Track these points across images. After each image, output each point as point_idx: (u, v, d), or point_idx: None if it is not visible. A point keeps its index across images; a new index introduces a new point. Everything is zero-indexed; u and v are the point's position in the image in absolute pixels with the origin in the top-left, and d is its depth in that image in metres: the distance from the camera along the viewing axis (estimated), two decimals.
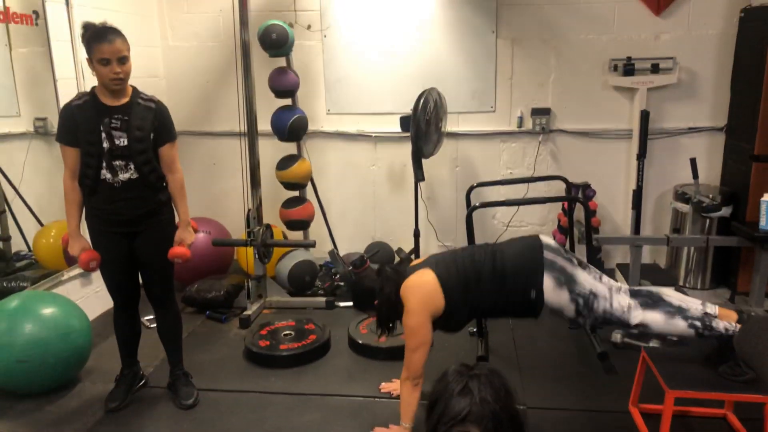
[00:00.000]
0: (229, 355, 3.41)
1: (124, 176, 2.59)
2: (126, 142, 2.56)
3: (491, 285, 2.37)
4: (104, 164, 2.57)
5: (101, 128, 2.54)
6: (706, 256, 4.17)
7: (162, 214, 2.77)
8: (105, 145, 2.55)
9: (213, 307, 3.97)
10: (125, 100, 2.61)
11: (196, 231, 2.92)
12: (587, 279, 2.34)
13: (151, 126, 2.62)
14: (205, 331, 3.75)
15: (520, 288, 2.34)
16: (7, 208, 4.59)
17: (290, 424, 2.71)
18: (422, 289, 2.40)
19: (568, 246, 3.88)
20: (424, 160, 3.92)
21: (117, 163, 2.57)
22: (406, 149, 4.05)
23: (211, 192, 4.87)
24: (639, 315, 2.28)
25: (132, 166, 2.59)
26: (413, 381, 2.43)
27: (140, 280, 2.86)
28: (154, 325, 3.09)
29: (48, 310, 2.97)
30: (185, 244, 2.79)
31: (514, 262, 2.38)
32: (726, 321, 2.23)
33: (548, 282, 2.31)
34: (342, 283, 4.28)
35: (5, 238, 4.30)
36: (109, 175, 2.58)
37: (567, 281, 2.31)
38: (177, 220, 2.82)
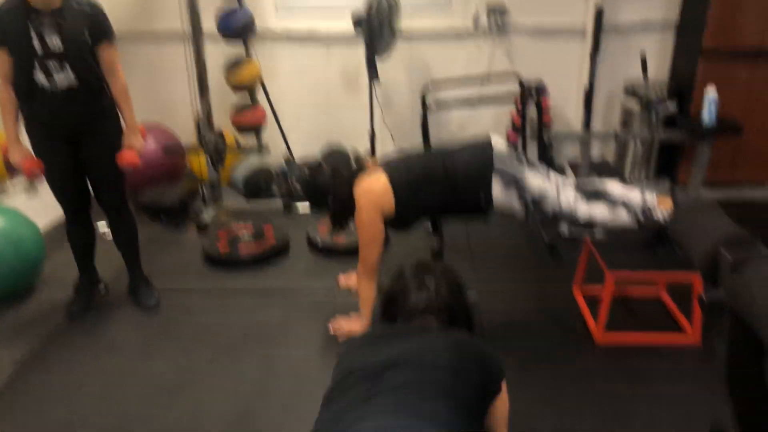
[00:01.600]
0: (188, 260, 3.44)
1: (62, 83, 2.46)
2: (60, 45, 2.42)
3: (442, 189, 2.43)
4: (36, 66, 2.43)
5: (31, 31, 2.39)
6: (651, 151, 4.33)
7: (107, 119, 2.67)
8: (36, 46, 2.40)
9: (168, 214, 3.94)
10: (58, 4, 2.43)
11: (144, 137, 2.83)
12: (536, 180, 2.41)
13: (87, 28, 2.47)
14: (162, 237, 3.75)
15: (471, 192, 2.40)
16: None
17: (252, 321, 2.81)
18: (373, 190, 2.45)
19: (520, 144, 3.95)
20: (379, 64, 3.83)
21: (51, 63, 2.43)
22: (359, 51, 3.95)
23: (158, 98, 4.67)
24: (585, 209, 2.39)
25: (68, 67, 2.46)
26: (369, 275, 2.53)
27: (90, 188, 2.80)
28: (109, 232, 3.07)
29: None
30: (134, 150, 2.72)
31: (464, 167, 2.43)
32: (663, 208, 2.37)
33: (497, 186, 2.38)
34: (299, 188, 4.28)
35: None
36: (43, 79, 2.44)
37: (516, 184, 2.38)
38: (123, 126, 2.73)
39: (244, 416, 2.20)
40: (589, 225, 2.44)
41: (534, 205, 2.38)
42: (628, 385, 2.29)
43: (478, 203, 2.42)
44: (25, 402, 2.30)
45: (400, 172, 2.49)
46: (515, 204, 2.39)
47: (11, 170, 3.84)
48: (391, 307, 1.53)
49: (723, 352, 1.04)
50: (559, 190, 2.40)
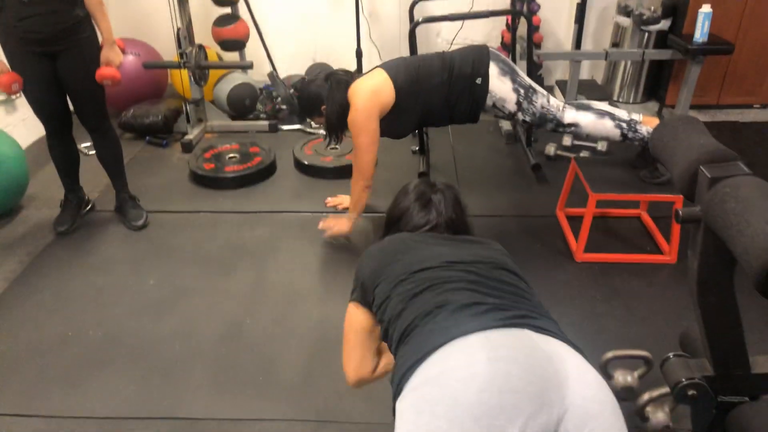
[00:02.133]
0: (174, 179, 3.43)
1: None
2: None
3: (440, 77, 2.43)
4: None
5: None
6: (641, 71, 4.28)
7: (82, 31, 2.57)
8: None
9: (152, 133, 3.88)
10: None
11: (123, 51, 2.74)
12: (527, 76, 2.48)
13: None
14: (147, 157, 3.71)
15: (467, 74, 2.41)
16: None
17: (241, 239, 2.85)
18: (371, 85, 2.44)
19: None
20: None
21: None
22: None
23: (135, 11, 4.48)
24: (572, 114, 2.43)
25: None
26: (365, 182, 2.57)
27: (70, 105, 2.74)
28: (93, 151, 3.03)
29: None
30: (113, 65, 2.64)
31: (461, 55, 2.46)
32: (649, 126, 2.39)
33: (494, 69, 2.41)
34: (284, 107, 4.21)
35: None
36: None
37: (510, 72, 2.44)
38: (100, 39, 2.63)
39: (236, 329, 2.27)
40: (575, 133, 2.48)
41: (526, 98, 2.40)
42: (605, 302, 2.39)
43: (474, 91, 2.42)
44: (19, 316, 2.36)
45: (398, 66, 2.49)
46: (509, 93, 2.41)
47: None
48: (394, 225, 1.51)
49: (694, 264, 1.08)
50: (548, 96, 2.45)
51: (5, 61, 2.54)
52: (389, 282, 1.24)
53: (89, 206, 3.06)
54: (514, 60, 3.83)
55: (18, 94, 2.62)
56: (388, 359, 1.43)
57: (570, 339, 1.12)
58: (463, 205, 1.57)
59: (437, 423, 0.93)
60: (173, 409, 1.93)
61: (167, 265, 2.66)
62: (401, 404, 1.02)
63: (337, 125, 2.54)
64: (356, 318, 1.36)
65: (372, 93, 2.41)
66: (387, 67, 2.49)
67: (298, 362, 2.10)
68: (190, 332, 2.26)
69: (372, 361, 1.41)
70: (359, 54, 4.06)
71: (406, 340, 1.13)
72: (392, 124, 2.50)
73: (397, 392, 1.06)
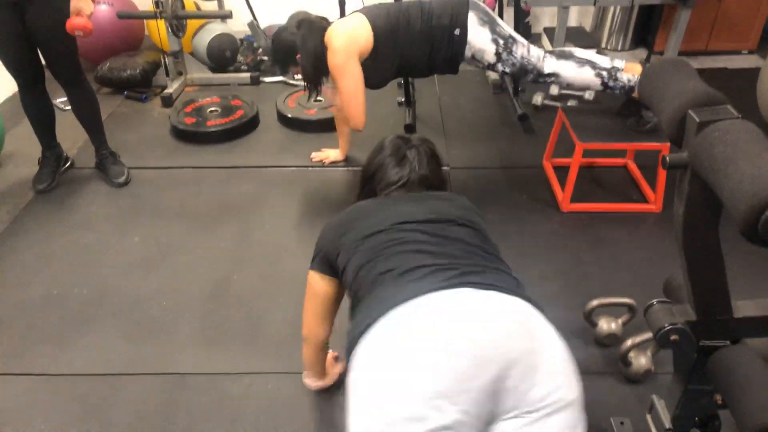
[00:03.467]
0: (155, 134, 3.35)
1: None
2: None
3: (418, 26, 2.37)
4: None
5: None
6: (630, 17, 4.21)
7: None
8: None
9: (130, 87, 3.78)
10: None
11: (95, 1, 2.62)
12: (507, 26, 2.43)
13: None
14: (126, 112, 3.62)
15: (446, 25, 2.35)
16: None
17: (226, 195, 2.81)
18: (349, 27, 2.37)
19: (497, 10, 3.78)
20: None
21: None
22: None
23: None
24: (552, 63, 2.39)
25: None
26: (358, 127, 2.54)
27: (40, 58, 2.64)
28: (69, 107, 2.95)
29: None
30: (84, 15, 2.52)
31: (441, 5, 2.39)
32: (631, 73, 2.35)
33: (472, 19, 2.35)
34: (266, 58, 4.11)
35: None
36: None
37: (490, 22, 2.38)
38: None
39: (223, 285, 2.27)
40: (555, 82, 2.44)
41: (505, 48, 2.35)
42: (590, 251, 2.41)
43: (452, 42, 2.37)
44: (2, 277, 2.33)
45: (379, 11, 2.42)
46: (487, 43, 2.36)
47: None
48: (370, 180, 1.53)
49: (680, 210, 1.07)
50: (528, 44, 2.40)
51: None
52: (346, 251, 1.32)
53: (68, 163, 2.99)
54: (501, 7, 3.74)
55: None
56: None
57: (523, 292, 1.17)
58: (439, 159, 1.57)
59: (370, 404, 1.01)
60: (163, 365, 1.94)
61: (151, 222, 2.63)
62: (349, 379, 1.10)
63: (314, 74, 2.46)
64: (313, 286, 1.48)
65: (349, 35, 2.34)
66: (366, 11, 2.42)
67: (285, 317, 2.11)
68: (177, 289, 2.26)
69: (324, 329, 1.57)
70: (342, 2, 3.93)
71: (355, 312, 1.22)
72: (369, 71, 2.43)
73: (349, 365, 1.13)
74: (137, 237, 2.54)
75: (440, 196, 1.43)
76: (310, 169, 2.99)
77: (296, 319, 2.09)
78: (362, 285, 1.22)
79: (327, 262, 1.41)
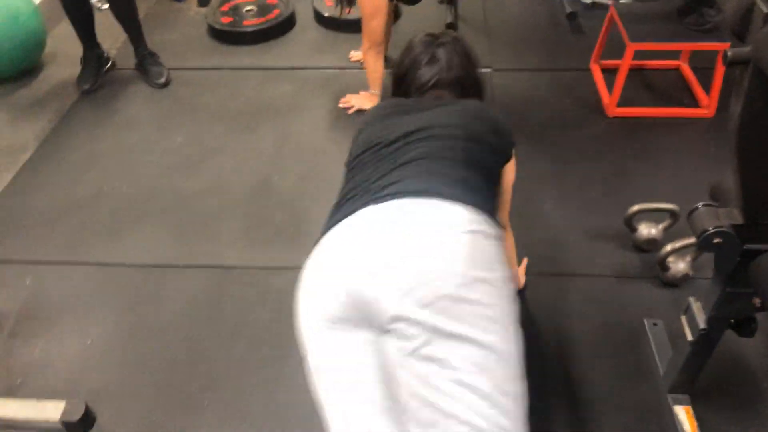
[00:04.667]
0: (192, 34, 3.31)
1: None
2: None
3: None
4: None
5: None
6: None
7: None
8: None
9: None
10: None
11: None
12: None
13: None
14: (162, 11, 3.56)
15: None
16: None
17: (264, 96, 2.80)
18: None
19: None
20: None
21: None
22: None
23: None
24: None
25: None
26: (375, 49, 2.45)
27: None
28: (106, 6, 2.92)
29: None
30: None
31: None
32: None
33: None
34: None
35: None
36: None
37: None
38: None
39: (264, 186, 2.32)
40: None
41: None
42: (635, 157, 2.35)
43: None
44: (53, 174, 2.42)
45: None
46: None
47: None
48: (402, 82, 1.49)
49: (737, 109, 1.02)
50: None
51: None
52: (352, 151, 1.34)
53: (109, 63, 3.00)
54: None
55: None
56: None
57: (474, 201, 1.07)
58: (473, 59, 1.49)
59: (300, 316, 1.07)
60: (208, 258, 2.03)
61: (192, 123, 2.66)
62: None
63: None
64: None
65: None
66: None
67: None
68: (221, 188, 2.31)
69: None
70: None
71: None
72: None
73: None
74: (180, 137, 2.58)
75: (449, 103, 1.36)
76: (347, 70, 2.93)
77: None
78: (344, 182, 1.28)
79: None
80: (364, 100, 2.63)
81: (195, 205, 2.25)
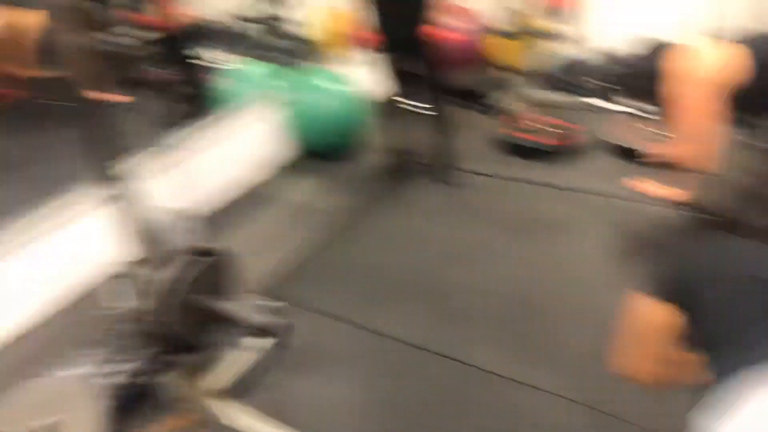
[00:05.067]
0: (486, 143, 3.63)
1: None
2: None
3: None
4: None
5: None
6: None
7: None
8: None
9: (472, 97, 4.11)
10: None
11: (453, 15, 2.94)
12: None
13: None
14: (466, 118, 3.93)
15: None
16: None
17: (542, 211, 2.91)
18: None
19: None
20: None
21: None
22: None
23: None
24: None
25: None
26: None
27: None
28: (424, 110, 3.39)
29: (336, 87, 3.46)
30: (440, 25, 2.86)
31: None
32: None
33: None
34: (611, 84, 4.01)
35: (302, 23, 4.84)
36: None
37: None
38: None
39: (524, 296, 2.35)
40: None
41: None
42: None
43: None
44: (354, 238, 2.84)
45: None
46: None
47: (353, 42, 4.38)
48: (749, 203, 1.27)
49: None
50: None
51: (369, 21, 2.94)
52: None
53: (415, 157, 3.40)
54: None
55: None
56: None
57: None
58: None
59: None
60: (456, 351, 2.11)
61: (470, 220, 2.88)
62: None
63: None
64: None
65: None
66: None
67: (580, 341, 2.08)
68: (483, 287, 2.41)
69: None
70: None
71: None
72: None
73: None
74: (457, 231, 2.79)
75: None
76: (631, 203, 2.85)
77: (592, 347, 2.02)
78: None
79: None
80: (668, 190, 2.32)
81: (456, 296, 2.38)
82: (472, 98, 4.12)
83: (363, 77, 4.08)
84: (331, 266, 2.65)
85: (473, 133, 3.77)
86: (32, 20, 3.51)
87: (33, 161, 3.29)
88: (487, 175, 3.27)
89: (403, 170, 3.35)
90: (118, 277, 1.81)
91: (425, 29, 2.84)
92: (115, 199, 1.56)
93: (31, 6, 3.48)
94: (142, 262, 1.69)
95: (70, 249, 2.57)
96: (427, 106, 3.20)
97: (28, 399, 1.81)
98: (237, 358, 2.08)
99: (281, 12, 4.16)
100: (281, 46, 4.30)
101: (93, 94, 1.43)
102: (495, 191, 3.12)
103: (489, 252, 2.63)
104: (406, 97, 3.21)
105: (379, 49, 3.00)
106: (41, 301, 2.49)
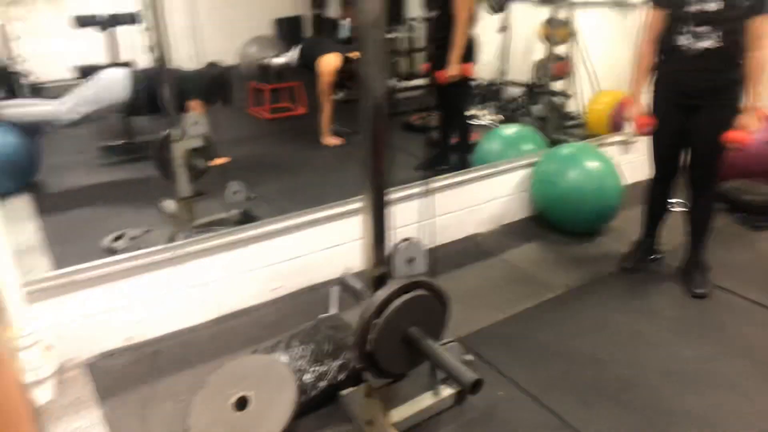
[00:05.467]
0: (752, 264, 3.11)
1: (702, 44, 2.48)
2: (718, 7, 2.41)
3: None
4: (687, 29, 2.50)
5: None
6: None
7: (729, 93, 2.57)
8: (695, 8, 2.46)
9: (748, 211, 3.60)
10: None
11: (762, 121, 2.60)
12: None
13: None
14: (732, 232, 3.47)
15: None
16: (573, 70, 5.10)
17: None
18: None
19: None
20: None
21: (701, 29, 2.47)
22: None
23: None
24: None
25: (715, 35, 2.45)
26: None
27: (684, 158, 2.80)
28: (680, 209, 3.05)
29: (592, 164, 3.28)
30: (747, 131, 2.54)
31: None
32: None
33: None
34: None
35: (568, 95, 4.84)
36: (686, 42, 2.51)
37: None
38: (744, 103, 2.57)
39: None
40: None
41: None
42: None
43: None
44: (561, 317, 2.63)
45: None
46: None
47: (615, 126, 4.22)
48: None
49: None
50: None
51: (647, 104, 2.79)
52: None
53: (657, 256, 3.10)
54: None
55: (645, 135, 2.85)
56: None
57: None
58: None
59: None
60: None
61: (719, 346, 2.45)
62: None
63: None
64: None
65: None
66: None
67: None
68: (714, 423, 2.03)
69: None
70: None
71: None
72: None
73: None
74: (690, 350, 2.41)
75: None
76: None
77: None
78: None
79: None
80: None
81: (676, 423, 2.04)
82: (754, 212, 3.59)
83: (623, 159, 3.89)
84: (533, 338, 2.49)
85: (745, 251, 3.27)
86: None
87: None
88: (751, 300, 2.79)
89: (645, 265, 3.05)
90: (342, 284, 1.93)
91: (730, 135, 2.57)
92: (368, 212, 1.69)
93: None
94: (368, 276, 1.78)
95: (318, 244, 2.85)
96: (688, 204, 2.88)
97: (232, 372, 2.01)
98: (420, 398, 2.06)
99: (546, 81, 4.20)
100: (541, 114, 4.34)
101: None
102: (757, 322, 2.63)
103: (732, 387, 2.21)
104: (666, 191, 2.93)
105: (648, 134, 2.80)
106: (273, 285, 2.79)
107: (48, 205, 3.72)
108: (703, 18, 2.46)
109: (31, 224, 3.42)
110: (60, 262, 2.85)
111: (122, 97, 3.95)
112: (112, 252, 3.00)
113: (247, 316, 2.67)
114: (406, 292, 1.69)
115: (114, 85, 3.95)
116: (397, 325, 1.69)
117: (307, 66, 5.19)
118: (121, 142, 4.68)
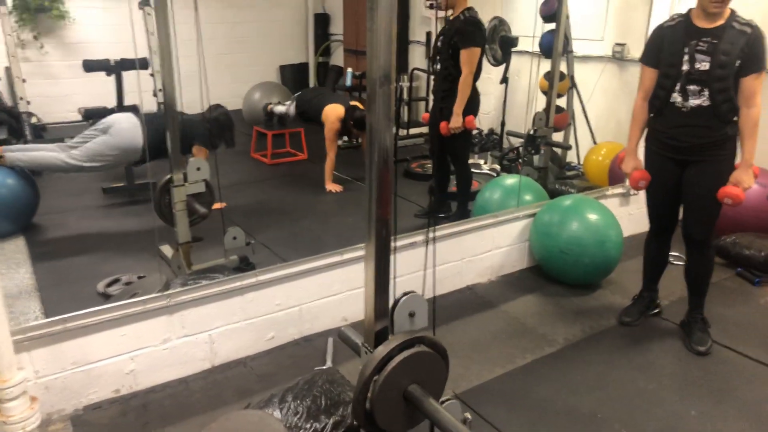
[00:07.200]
0: (754, 321, 3.07)
1: (693, 102, 2.51)
2: (707, 67, 2.46)
3: None
4: (678, 87, 2.54)
5: (685, 50, 2.50)
6: None
7: (724, 149, 2.59)
8: (684, 68, 2.51)
9: (747, 266, 3.58)
10: (720, 22, 2.46)
11: (756, 177, 2.61)
12: None
13: (739, 53, 2.42)
14: (732, 288, 3.45)
15: None
16: (572, 122, 5.17)
17: None
18: None
19: None
20: None
21: (691, 87, 2.51)
22: None
23: None
24: None
25: (706, 93, 2.48)
26: None
27: (680, 212, 2.81)
28: (680, 262, 3.03)
29: (592, 216, 3.28)
30: (741, 187, 2.55)
31: None
32: None
33: None
34: None
35: (567, 147, 4.89)
36: (679, 99, 2.55)
37: None
38: (738, 160, 2.59)
39: None
40: None
41: None
42: None
43: None
44: (559, 375, 2.58)
45: None
46: None
47: (613, 179, 4.25)
48: None
49: None
50: None
51: (643, 160, 2.81)
52: None
53: (657, 310, 3.07)
54: None
55: (637, 192, 2.86)
56: None
57: None
58: None
59: None
60: None
61: (711, 400, 2.41)
62: None
63: None
64: None
65: None
66: None
67: None
68: None
69: None
70: None
71: None
72: None
73: None
74: (694, 411, 2.36)
75: None
76: None
77: None
78: None
79: None
80: None
81: None
82: (752, 267, 3.57)
83: (623, 210, 3.89)
84: (532, 395, 2.43)
85: (745, 308, 3.23)
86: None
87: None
88: (751, 358, 2.74)
89: (646, 319, 3.01)
90: (340, 337, 1.89)
91: (724, 191, 2.57)
92: (371, 262, 1.67)
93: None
94: (368, 330, 1.74)
95: (315, 293, 2.82)
96: (686, 259, 2.87)
97: (223, 429, 1.94)
98: None
99: (547, 132, 4.23)
100: (541, 164, 4.36)
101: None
102: (757, 380, 2.58)
103: None
104: (664, 245, 2.92)
105: (642, 188, 2.81)
106: (269, 334, 2.74)
107: (43, 248, 3.69)
108: (694, 76, 2.50)
109: (24, 268, 3.39)
110: (52, 307, 2.81)
111: (133, 150, 3.90)
112: (105, 297, 2.96)
113: (242, 366, 2.61)
114: (407, 348, 1.65)
115: (125, 141, 3.88)
116: (397, 383, 1.64)
117: (303, 117, 5.30)
118: (120, 185, 4.68)
